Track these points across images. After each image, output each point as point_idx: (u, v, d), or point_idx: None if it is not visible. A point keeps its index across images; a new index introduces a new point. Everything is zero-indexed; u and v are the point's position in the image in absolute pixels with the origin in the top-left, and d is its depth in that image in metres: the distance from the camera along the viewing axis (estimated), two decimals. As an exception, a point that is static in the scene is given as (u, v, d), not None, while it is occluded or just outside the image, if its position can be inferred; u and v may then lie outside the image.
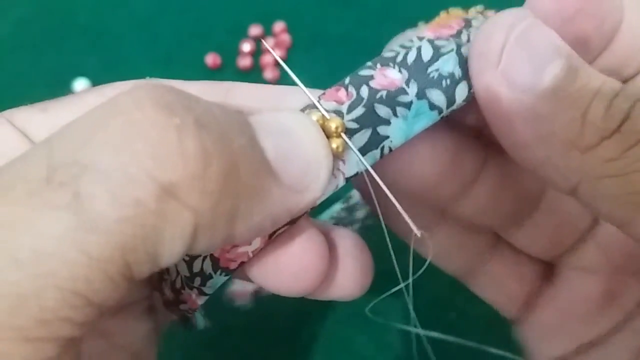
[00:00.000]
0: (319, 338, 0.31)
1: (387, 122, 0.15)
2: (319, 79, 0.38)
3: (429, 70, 0.15)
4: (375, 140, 0.15)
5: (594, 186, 0.14)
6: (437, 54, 0.15)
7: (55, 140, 0.12)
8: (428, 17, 0.40)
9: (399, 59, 0.15)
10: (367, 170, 0.15)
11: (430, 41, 0.16)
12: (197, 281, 0.16)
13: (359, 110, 0.15)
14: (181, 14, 0.41)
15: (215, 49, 0.39)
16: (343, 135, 0.15)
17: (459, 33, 0.16)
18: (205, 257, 0.15)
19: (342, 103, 0.15)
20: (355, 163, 0.15)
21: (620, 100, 0.13)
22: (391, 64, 0.15)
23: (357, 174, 0.15)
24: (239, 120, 0.13)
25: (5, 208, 0.11)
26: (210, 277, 0.15)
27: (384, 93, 0.15)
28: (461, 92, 0.15)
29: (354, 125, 0.15)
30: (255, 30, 0.40)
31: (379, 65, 0.15)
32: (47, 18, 0.41)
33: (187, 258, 0.16)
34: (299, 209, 0.14)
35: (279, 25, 0.40)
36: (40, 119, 0.17)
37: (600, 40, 0.15)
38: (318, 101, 0.15)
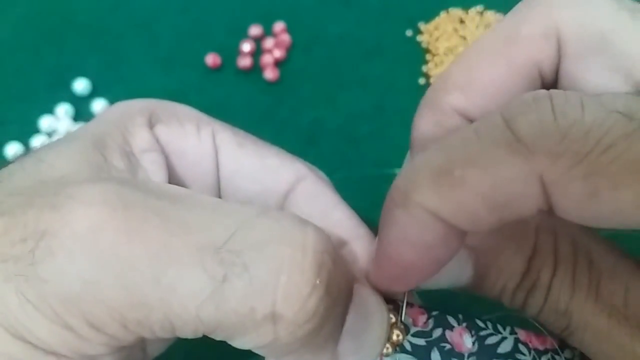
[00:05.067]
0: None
1: None
2: (319, 79, 0.38)
3: None
4: None
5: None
6: (511, 355, 0.17)
7: (244, 226, 0.15)
8: (428, 17, 0.40)
9: (482, 333, 0.17)
10: None
11: (517, 340, 0.17)
12: None
13: (421, 341, 0.17)
14: (181, 14, 0.41)
15: (215, 49, 0.39)
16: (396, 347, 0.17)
17: (544, 352, 0.18)
18: None
19: (415, 325, 0.17)
20: None
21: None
22: (473, 332, 0.17)
23: None
24: (348, 291, 0.16)
25: (178, 240, 0.14)
26: None
27: (447, 346, 0.17)
28: None
29: (408, 347, 0.17)
30: (255, 30, 0.40)
31: (464, 325, 0.18)
32: (47, 18, 0.41)
33: None
34: None
35: (279, 25, 0.40)
36: (232, 150, 0.21)
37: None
38: (405, 308, 0.18)
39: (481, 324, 0.18)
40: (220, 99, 0.38)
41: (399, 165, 0.36)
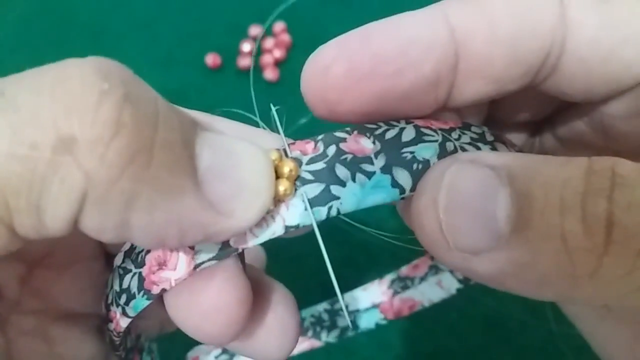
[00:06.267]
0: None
1: (343, 184, 0.14)
2: (319, 79, 0.38)
3: (404, 150, 0.15)
4: (325, 197, 0.14)
5: (624, 302, 0.12)
6: (418, 140, 0.15)
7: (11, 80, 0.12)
8: (428, 17, 0.40)
9: (378, 132, 0.15)
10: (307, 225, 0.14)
11: (417, 127, 0.15)
12: (123, 299, 0.16)
13: (319, 165, 0.15)
14: (181, 14, 0.41)
15: (215, 49, 0.39)
16: (294, 183, 0.14)
17: (451, 130, 0.16)
18: (135, 274, 0.15)
19: (305, 154, 0.15)
20: (299, 214, 0.14)
21: (592, 204, 0.11)
22: (368, 134, 0.15)
23: (298, 226, 0.14)
24: (182, 119, 0.13)
25: None
26: (134, 297, 0.15)
27: (349, 156, 0.15)
28: None
29: (309, 177, 0.15)
30: (255, 30, 0.40)
31: (355, 132, 0.15)
32: (47, 18, 0.41)
33: (121, 271, 0.16)
34: (216, 232, 0.13)
35: (279, 25, 0.40)
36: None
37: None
38: (286, 147, 0.15)
39: (372, 126, 0.16)
40: (220, 99, 0.38)
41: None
